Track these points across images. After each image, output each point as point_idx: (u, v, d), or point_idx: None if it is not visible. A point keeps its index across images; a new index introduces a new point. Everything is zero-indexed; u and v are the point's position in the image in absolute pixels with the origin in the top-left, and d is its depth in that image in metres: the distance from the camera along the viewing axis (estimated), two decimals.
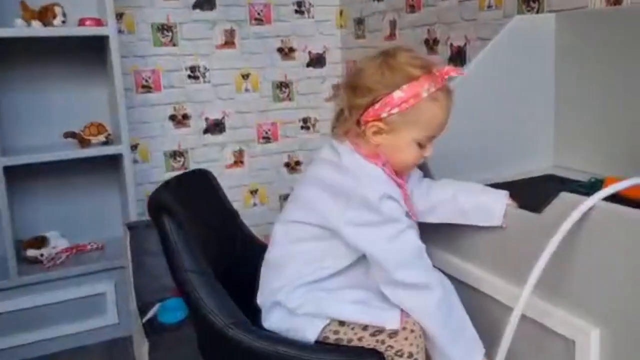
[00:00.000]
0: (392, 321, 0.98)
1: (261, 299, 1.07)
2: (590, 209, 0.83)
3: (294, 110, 2.68)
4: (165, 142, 2.46)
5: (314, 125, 2.73)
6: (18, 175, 2.08)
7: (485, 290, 1.05)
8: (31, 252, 2.10)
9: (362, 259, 1.01)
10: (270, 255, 1.08)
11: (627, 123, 1.30)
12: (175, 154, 2.48)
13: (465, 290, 1.10)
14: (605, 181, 1.25)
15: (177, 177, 1.21)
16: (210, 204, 1.22)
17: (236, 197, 2.58)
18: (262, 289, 1.08)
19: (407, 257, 0.98)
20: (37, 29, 1.97)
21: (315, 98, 2.70)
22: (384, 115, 0.96)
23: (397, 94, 0.94)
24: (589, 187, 1.27)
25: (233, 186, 2.58)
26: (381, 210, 0.95)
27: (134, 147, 2.36)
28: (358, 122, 0.99)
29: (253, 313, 1.05)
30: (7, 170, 1.95)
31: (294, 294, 1.02)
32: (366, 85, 0.97)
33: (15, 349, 2.04)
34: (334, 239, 1.00)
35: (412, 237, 0.99)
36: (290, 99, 2.66)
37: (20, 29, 1.96)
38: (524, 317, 0.96)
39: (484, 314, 1.07)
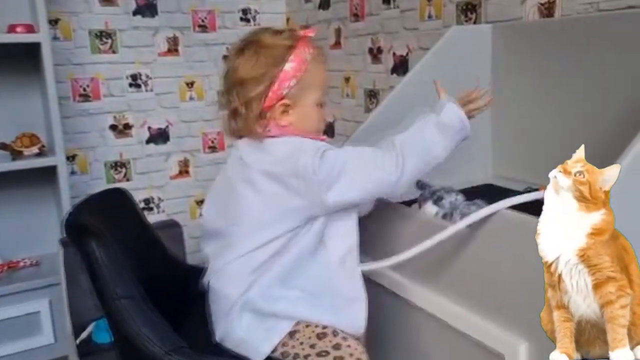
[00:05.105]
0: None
1: (220, 306, 1.02)
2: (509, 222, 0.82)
3: None
4: (106, 152, 2.37)
5: None
6: None
7: (416, 302, 1.05)
8: None
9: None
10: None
11: (561, 131, 1.32)
12: (116, 165, 2.40)
13: (397, 302, 1.09)
14: (540, 190, 1.26)
15: (92, 198, 1.14)
16: (129, 224, 1.15)
17: (182, 208, 2.51)
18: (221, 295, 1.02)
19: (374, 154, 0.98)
20: None
21: None
22: (285, 92, 0.98)
23: (289, 66, 0.97)
24: None
25: (179, 197, 2.51)
26: (327, 158, 0.95)
27: (71, 158, 2.27)
28: (260, 113, 0.99)
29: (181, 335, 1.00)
30: None
31: (270, 290, 0.97)
32: (253, 75, 0.98)
33: None
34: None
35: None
36: None
37: None
38: (454, 331, 0.95)
39: (411, 324, 1.08)
